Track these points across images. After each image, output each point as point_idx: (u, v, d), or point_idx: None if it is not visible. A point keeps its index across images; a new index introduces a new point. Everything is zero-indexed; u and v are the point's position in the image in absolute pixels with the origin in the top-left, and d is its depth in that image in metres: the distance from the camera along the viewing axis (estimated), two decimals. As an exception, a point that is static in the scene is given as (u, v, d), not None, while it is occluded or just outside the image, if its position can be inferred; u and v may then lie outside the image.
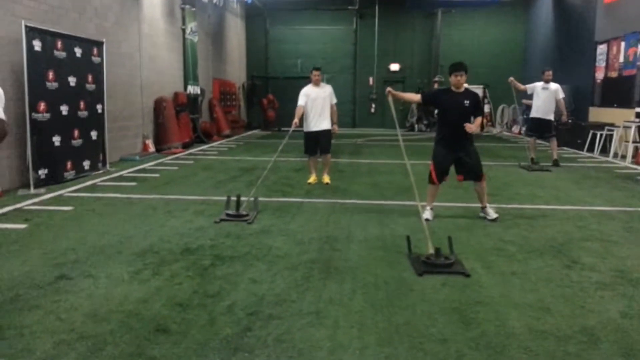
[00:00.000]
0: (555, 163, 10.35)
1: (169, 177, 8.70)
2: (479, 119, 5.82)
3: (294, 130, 7.34)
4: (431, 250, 4.30)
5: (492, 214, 5.88)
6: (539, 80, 10.61)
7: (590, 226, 5.63)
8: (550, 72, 10.46)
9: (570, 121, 14.36)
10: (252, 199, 6.25)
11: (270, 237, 5.09)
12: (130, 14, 11.06)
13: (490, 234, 5.29)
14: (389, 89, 5.88)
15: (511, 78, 10.39)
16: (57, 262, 4.29)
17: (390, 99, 5.74)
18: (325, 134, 7.95)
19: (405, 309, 3.38)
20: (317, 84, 7.91)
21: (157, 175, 8.88)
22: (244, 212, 5.86)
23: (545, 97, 10.33)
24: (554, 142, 10.66)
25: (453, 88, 5.80)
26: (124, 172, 9.01)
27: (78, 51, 8.26)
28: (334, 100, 8.02)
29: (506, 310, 3.38)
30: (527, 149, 10.63)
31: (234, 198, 5.99)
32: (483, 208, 5.98)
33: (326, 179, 8.11)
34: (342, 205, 6.59)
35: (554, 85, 10.34)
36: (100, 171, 8.93)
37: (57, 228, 5.38)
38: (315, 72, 7.89)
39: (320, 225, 5.56)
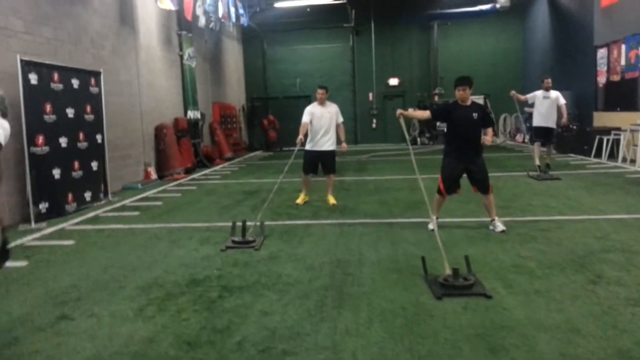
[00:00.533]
0: (548, 166, 10.53)
1: (172, 205, 8.54)
2: (490, 130, 5.89)
3: (298, 150, 7.21)
4: (448, 271, 4.10)
5: (500, 227, 5.85)
6: (539, 87, 10.61)
7: (610, 236, 5.43)
8: (550, 80, 10.51)
9: (574, 127, 14.23)
10: (258, 223, 6.10)
11: (279, 264, 4.90)
12: (127, 43, 11.03)
13: (507, 249, 5.10)
14: (399, 111, 5.98)
15: (512, 92, 10.54)
16: (58, 301, 4.12)
17: (402, 120, 5.82)
18: (329, 155, 7.81)
19: (427, 338, 3.18)
20: (322, 102, 7.72)
21: (159, 203, 8.73)
22: (251, 238, 5.71)
23: (548, 105, 10.40)
24: (551, 148, 10.99)
25: (459, 102, 5.86)
26: (126, 202, 8.86)
27: (75, 82, 8.17)
28: (340, 120, 7.86)
29: (534, 334, 3.17)
30: (533, 158, 10.54)
31: (239, 223, 5.83)
32: (492, 221, 5.96)
33: (332, 200, 7.93)
34: (351, 226, 6.41)
35: (554, 93, 10.41)
36: (102, 202, 8.79)
37: (59, 264, 5.22)
38: (320, 91, 7.70)
39: (330, 248, 5.37)
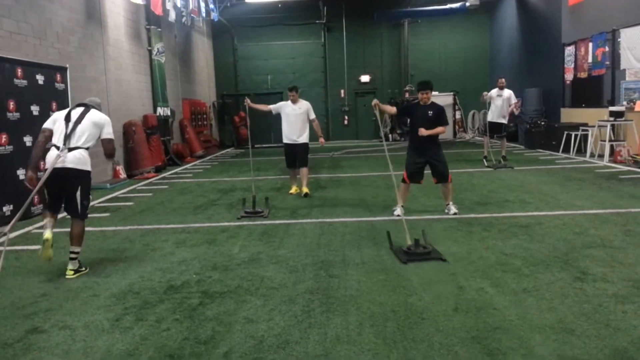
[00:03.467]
0: (504, 158, 11.51)
1: (143, 205, 8.25)
2: (438, 128, 6.46)
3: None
4: (410, 242, 4.87)
5: (453, 210, 6.60)
6: (506, 83, 11.60)
7: (589, 232, 5.47)
8: (504, 80, 11.74)
9: (542, 123, 14.47)
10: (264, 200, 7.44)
11: (261, 266, 4.75)
12: (94, 37, 10.62)
13: (490, 246, 5.07)
14: (375, 101, 6.59)
15: (484, 94, 11.67)
16: (27, 313, 3.86)
17: (377, 110, 6.48)
18: (301, 148, 8.38)
19: (421, 342, 3.09)
20: (294, 102, 8.32)
21: (130, 203, 8.43)
22: (260, 209, 6.92)
23: (501, 103, 11.54)
24: (504, 141, 11.87)
25: (421, 102, 6.59)
26: (94, 202, 8.51)
27: (40, 78, 7.80)
28: (312, 116, 8.42)
29: (529, 335, 3.12)
30: (484, 148, 11.89)
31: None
32: (447, 205, 6.70)
33: (305, 189, 8.41)
34: (331, 225, 6.29)
35: (507, 92, 11.55)
36: (70, 203, 8.41)
37: (26, 271, 4.93)
38: (290, 93, 8.32)
39: (312, 249, 5.24)
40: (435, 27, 20.88)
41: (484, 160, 11.57)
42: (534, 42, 16.68)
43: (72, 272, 4.65)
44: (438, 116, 6.49)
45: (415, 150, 6.58)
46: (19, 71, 7.34)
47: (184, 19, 14.17)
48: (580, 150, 12.49)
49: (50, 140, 4.69)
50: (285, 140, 8.44)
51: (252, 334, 3.31)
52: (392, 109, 7.00)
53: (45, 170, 4.65)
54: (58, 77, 8.32)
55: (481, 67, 20.81)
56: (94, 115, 4.79)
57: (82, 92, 9.78)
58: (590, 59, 13.00)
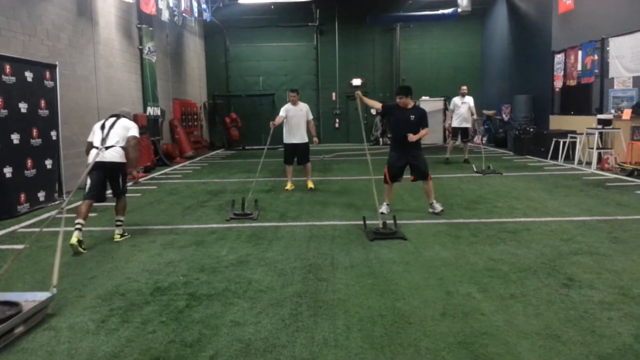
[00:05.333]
0: (466, 161, 12.61)
1: (131, 205, 8.14)
2: (422, 131, 6.77)
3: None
4: (380, 225, 5.78)
5: (438, 208, 6.89)
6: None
7: (576, 238, 5.51)
8: (465, 87, 12.76)
9: (532, 129, 14.59)
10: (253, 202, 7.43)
11: (249, 269, 4.72)
12: (84, 35, 10.54)
13: (478, 252, 5.09)
14: (359, 92, 7.21)
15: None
16: (10, 313, 3.80)
17: (358, 100, 7.07)
18: (303, 147, 9.10)
19: (408, 347, 3.09)
20: (294, 103, 9.00)
21: (119, 203, 8.35)
22: (249, 211, 6.87)
23: (464, 109, 12.58)
24: (467, 145, 13.13)
25: (400, 106, 6.89)
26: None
27: (29, 75, 7.72)
28: (310, 117, 9.16)
29: (515, 341, 3.13)
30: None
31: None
32: (430, 204, 6.97)
33: (310, 184, 9.27)
34: (320, 228, 6.28)
35: (468, 98, 12.63)
36: (57, 202, 8.34)
37: (10, 271, 4.84)
38: (291, 94, 9.09)
39: (301, 252, 5.23)
40: (427, 32, 20.99)
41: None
42: (525, 49, 16.83)
43: (119, 236, 5.91)
44: (420, 119, 6.79)
45: (397, 152, 6.90)
46: (7, 68, 7.26)
47: (175, 19, 14.12)
48: (569, 158, 12.61)
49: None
50: (287, 141, 9.06)
51: (239, 337, 3.29)
52: (377, 104, 7.25)
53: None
54: (47, 74, 8.24)
55: (472, 73, 20.89)
56: (124, 122, 5.96)
57: (71, 91, 9.72)
58: (579, 67, 13.12)
